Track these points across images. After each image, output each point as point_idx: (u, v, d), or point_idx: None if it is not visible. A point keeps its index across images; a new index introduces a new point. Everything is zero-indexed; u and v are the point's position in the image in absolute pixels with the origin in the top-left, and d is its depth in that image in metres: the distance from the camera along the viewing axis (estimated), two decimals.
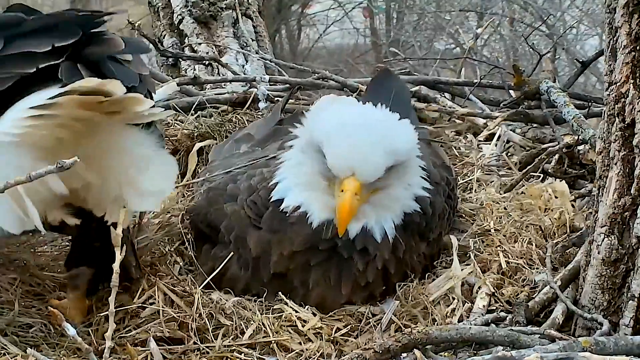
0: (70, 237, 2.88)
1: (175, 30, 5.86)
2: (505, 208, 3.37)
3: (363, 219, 2.78)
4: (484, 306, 2.79)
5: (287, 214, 2.82)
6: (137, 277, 2.84)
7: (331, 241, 2.78)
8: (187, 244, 3.13)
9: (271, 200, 2.87)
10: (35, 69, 2.15)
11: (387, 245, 2.83)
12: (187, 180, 3.69)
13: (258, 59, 5.56)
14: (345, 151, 2.66)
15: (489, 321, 2.69)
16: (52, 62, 2.16)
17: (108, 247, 2.24)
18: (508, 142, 4.17)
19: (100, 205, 2.43)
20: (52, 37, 2.17)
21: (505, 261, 3.00)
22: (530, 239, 3.14)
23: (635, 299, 2.48)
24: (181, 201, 3.40)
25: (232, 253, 2.88)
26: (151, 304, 2.77)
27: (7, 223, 2.25)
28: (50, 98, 2.08)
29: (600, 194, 2.60)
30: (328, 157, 2.69)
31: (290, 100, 4.38)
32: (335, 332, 2.74)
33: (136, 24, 5.25)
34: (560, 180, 3.53)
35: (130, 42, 2.34)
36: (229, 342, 2.65)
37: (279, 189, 2.88)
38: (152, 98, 2.39)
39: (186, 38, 5.77)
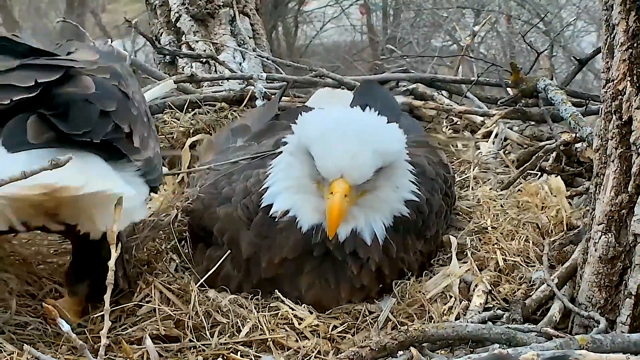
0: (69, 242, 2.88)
1: (173, 28, 5.85)
2: (502, 206, 3.37)
3: (352, 221, 2.78)
4: (480, 304, 2.79)
5: (277, 219, 2.82)
6: (125, 288, 2.83)
7: (323, 246, 2.78)
8: (183, 242, 3.13)
9: (261, 205, 2.87)
10: (9, 102, 2.20)
11: (377, 247, 2.82)
12: (182, 176, 3.68)
13: (255, 57, 5.55)
14: (334, 153, 2.67)
15: (486, 319, 2.69)
16: (27, 96, 2.22)
17: (106, 259, 2.23)
18: (505, 139, 4.17)
19: (74, 219, 2.43)
20: (36, 72, 2.28)
21: (502, 259, 3.00)
22: (527, 236, 3.14)
23: (632, 297, 2.48)
24: (177, 198, 3.39)
25: (225, 253, 2.88)
26: (147, 302, 2.77)
27: None
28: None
29: (598, 191, 2.60)
30: (317, 160, 2.69)
31: (287, 98, 4.38)
32: (332, 330, 2.74)
33: (133, 22, 5.25)
34: (556, 176, 3.53)
35: (99, 84, 2.38)
36: (225, 340, 2.65)
37: (268, 193, 2.87)
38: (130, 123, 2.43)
39: (183, 36, 5.75)
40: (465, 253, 3.05)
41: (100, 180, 2.26)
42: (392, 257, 2.86)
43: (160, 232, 3.16)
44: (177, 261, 3.06)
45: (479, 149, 4.11)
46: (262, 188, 2.90)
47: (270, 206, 2.85)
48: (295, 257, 2.80)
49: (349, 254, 2.80)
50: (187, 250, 3.12)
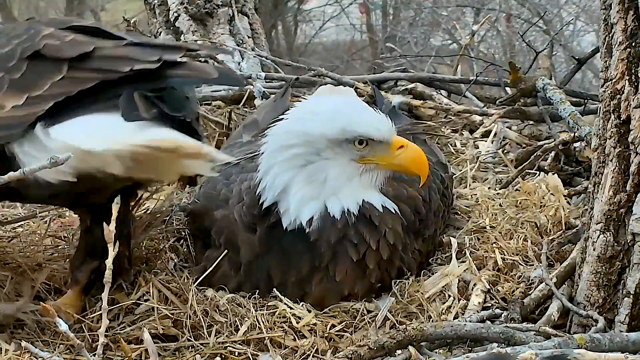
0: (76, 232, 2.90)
1: (171, 28, 5.85)
2: (500, 205, 3.37)
3: (379, 193, 2.85)
4: (479, 303, 2.79)
5: (307, 232, 2.78)
6: (128, 268, 2.85)
7: (344, 238, 2.78)
8: (182, 240, 3.13)
9: (286, 228, 2.81)
10: (130, 69, 2.40)
11: (399, 216, 2.88)
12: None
13: (254, 56, 5.55)
14: (378, 119, 2.81)
15: (484, 318, 2.69)
16: (146, 67, 2.41)
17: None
18: (504, 139, 4.17)
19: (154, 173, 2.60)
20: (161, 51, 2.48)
21: (501, 258, 3.00)
22: (525, 235, 3.14)
23: (631, 296, 2.49)
24: (177, 196, 3.40)
25: (223, 254, 2.87)
26: (146, 300, 2.77)
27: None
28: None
29: (596, 190, 2.60)
30: (371, 129, 2.77)
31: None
32: (330, 329, 2.73)
33: (132, 21, 5.25)
34: (553, 174, 3.53)
35: (222, 73, 2.54)
36: (223, 338, 2.65)
37: (291, 212, 2.81)
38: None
39: (182, 35, 5.75)
40: (463, 252, 3.04)
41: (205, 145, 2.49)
42: (398, 231, 2.89)
43: (157, 230, 3.16)
44: (175, 260, 3.06)
45: (477, 148, 4.11)
46: (277, 210, 2.83)
47: (294, 222, 2.81)
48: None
49: (368, 228, 2.80)
50: (186, 249, 3.12)
